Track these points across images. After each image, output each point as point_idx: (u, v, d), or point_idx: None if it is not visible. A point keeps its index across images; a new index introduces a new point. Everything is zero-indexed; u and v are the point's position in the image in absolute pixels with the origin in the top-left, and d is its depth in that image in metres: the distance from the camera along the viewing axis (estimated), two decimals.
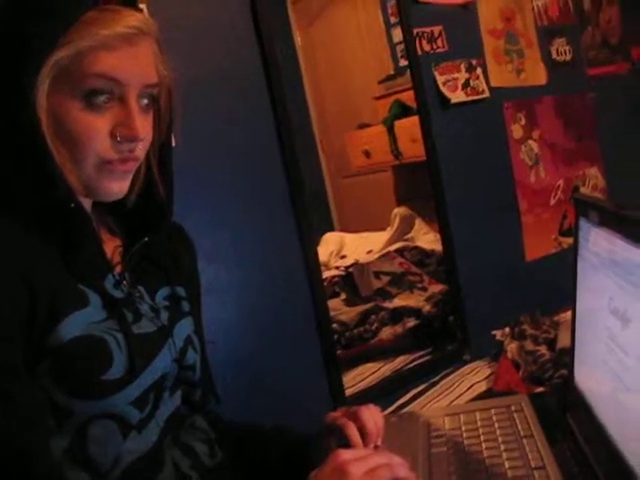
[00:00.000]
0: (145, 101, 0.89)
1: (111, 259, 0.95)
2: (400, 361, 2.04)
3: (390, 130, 2.85)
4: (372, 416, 1.03)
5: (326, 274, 2.43)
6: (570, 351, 1.21)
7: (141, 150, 0.90)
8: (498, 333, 1.79)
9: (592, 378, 1.09)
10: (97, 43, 0.81)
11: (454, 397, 1.69)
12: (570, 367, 1.20)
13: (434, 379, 1.85)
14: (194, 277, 1.12)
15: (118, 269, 0.95)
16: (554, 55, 2.43)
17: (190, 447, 0.97)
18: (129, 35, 0.84)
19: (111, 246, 0.97)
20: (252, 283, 1.61)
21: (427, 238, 2.71)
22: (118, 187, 0.89)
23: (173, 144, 1.02)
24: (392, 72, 2.99)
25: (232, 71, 1.60)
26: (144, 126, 0.88)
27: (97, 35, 0.81)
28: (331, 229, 3.56)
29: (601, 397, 1.02)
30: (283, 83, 1.66)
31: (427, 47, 2.02)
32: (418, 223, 2.84)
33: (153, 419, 0.91)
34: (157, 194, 0.98)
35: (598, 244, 1.03)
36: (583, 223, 1.10)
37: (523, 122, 2.28)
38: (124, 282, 0.94)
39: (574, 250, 1.16)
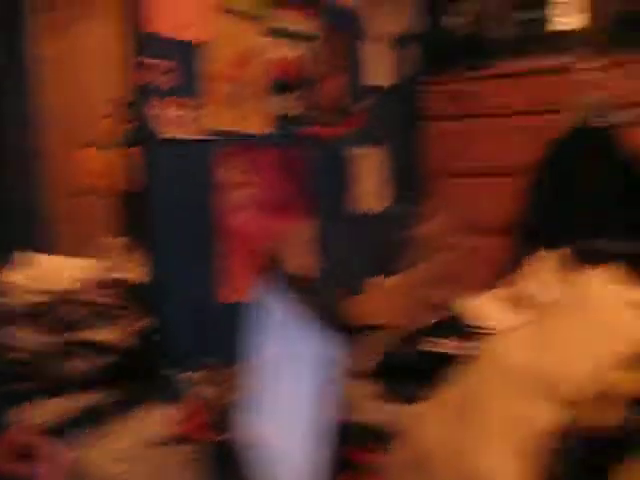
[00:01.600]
0: None
1: None
2: (85, 398, 1.93)
3: (120, 156, 2.75)
4: None
5: (21, 299, 2.26)
6: (245, 400, 1.23)
7: None
8: (185, 376, 1.77)
9: (259, 426, 1.11)
10: None
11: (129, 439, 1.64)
12: (242, 416, 1.22)
13: (113, 419, 1.78)
14: None
15: None
16: (279, 108, 2.51)
17: None
18: None
19: None
20: None
21: (140, 271, 2.64)
22: None
23: None
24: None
25: None
26: None
27: None
28: (45, 250, 3.35)
29: (267, 446, 1.04)
30: None
31: (151, 78, 1.99)
32: (133, 255, 2.76)
33: None
34: None
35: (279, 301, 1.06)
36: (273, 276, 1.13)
37: (238, 168, 2.31)
38: None
39: (262, 301, 1.18)
